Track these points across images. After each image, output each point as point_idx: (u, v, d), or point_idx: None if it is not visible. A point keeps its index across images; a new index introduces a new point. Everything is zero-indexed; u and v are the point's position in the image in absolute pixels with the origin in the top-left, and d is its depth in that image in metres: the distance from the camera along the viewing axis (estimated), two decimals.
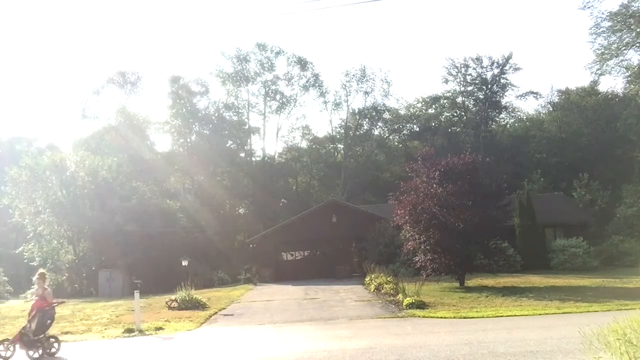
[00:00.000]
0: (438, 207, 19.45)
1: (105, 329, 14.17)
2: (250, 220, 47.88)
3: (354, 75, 54.67)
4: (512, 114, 57.04)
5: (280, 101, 55.33)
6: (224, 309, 17.44)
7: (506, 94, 53.70)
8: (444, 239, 19.22)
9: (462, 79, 54.06)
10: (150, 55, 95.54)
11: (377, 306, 15.97)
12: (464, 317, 12.88)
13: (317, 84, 55.37)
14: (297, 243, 32.25)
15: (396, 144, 58.87)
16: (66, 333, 13.62)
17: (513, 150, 49.47)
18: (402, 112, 57.89)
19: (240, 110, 55.72)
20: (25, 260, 33.99)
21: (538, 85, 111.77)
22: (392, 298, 17.10)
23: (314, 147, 58.18)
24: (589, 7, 34.62)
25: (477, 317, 12.83)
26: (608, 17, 34.47)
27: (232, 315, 16.02)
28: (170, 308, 17.94)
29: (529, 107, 70.55)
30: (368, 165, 53.23)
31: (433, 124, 55.63)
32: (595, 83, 47.63)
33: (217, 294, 22.78)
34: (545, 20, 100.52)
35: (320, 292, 20.81)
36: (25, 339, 10.42)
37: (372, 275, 21.67)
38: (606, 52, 35.98)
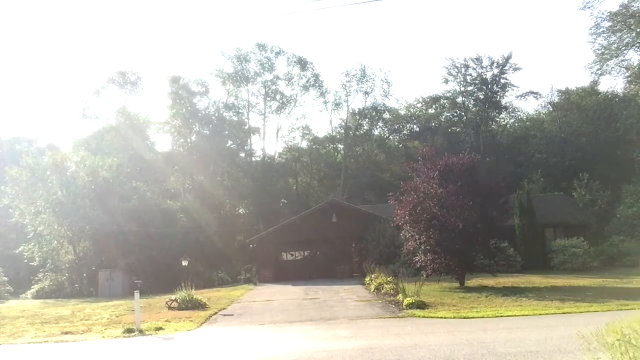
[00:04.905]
0: (438, 207, 19.47)
1: (105, 329, 14.16)
2: (250, 220, 47.88)
3: (354, 76, 54.63)
4: (512, 114, 57.13)
5: (280, 101, 55.28)
6: (224, 309, 17.43)
7: (506, 94, 53.77)
8: (444, 239, 19.23)
9: (462, 79, 54.09)
10: (150, 55, 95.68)
11: (377, 306, 15.97)
12: (464, 317, 12.88)
13: (317, 84, 55.31)
14: (297, 243, 32.25)
15: (396, 144, 58.81)
16: (66, 333, 13.64)
17: (513, 150, 49.49)
18: (402, 112, 57.89)
19: (240, 110, 55.69)
20: (25, 260, 33.94)
21: (538, 85, 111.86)
22: (392, 298, 17.12)
23: (314, 147, 58.08)
24: (589, 7, 34.78)
25: (477, 317, 12.83)
26: (608, 17, 34.58)
27: (232, 315, 16.00)
28: (170, 308, 17.94)
29: (529, 107, 70.64)
30: (368, 165, 53.18)
31: (433, 124, 55.63)
32: (595, 83, 47.69)
33: (217, 294, 22.77)
34: (545, 20, 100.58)
35: (320, 292, 20.81)
36: None
37: (372, 275, 21.68)
38: (606, 52, 36.05)
